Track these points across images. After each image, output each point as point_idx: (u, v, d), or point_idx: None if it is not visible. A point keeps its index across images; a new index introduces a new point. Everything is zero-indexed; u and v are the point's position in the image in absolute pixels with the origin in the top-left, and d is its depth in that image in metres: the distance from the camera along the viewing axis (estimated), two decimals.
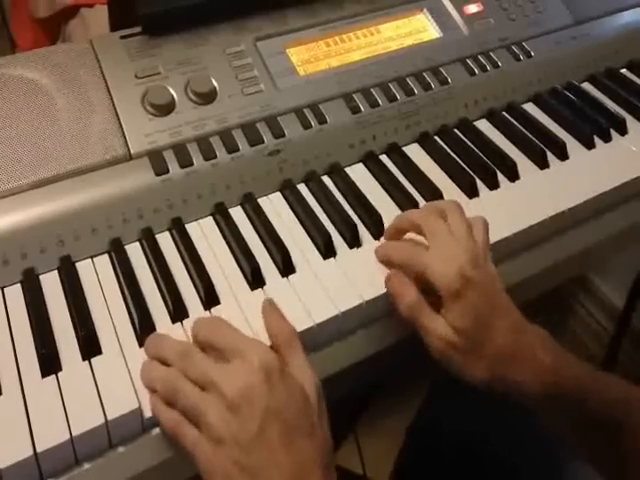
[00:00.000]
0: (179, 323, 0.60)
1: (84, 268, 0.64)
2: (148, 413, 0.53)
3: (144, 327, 0.59)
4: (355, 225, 0.68)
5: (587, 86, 0.93)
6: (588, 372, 0.60)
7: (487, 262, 0.60)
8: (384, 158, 0.79)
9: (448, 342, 0.57)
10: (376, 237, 0.69)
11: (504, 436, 0.82)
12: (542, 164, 0.79)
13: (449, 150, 0.80)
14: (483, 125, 0.84)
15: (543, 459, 0.79)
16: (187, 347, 0.54)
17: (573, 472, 0.78)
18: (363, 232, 0.69)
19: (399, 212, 0.71)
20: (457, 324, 0.57)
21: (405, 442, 0.92)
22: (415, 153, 0.79)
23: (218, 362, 0.51)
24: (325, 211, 0.72)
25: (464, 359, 0.57)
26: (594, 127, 0.84)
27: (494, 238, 0.65)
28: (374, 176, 0.76)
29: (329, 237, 0.67)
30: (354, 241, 0.68)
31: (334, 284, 0.63)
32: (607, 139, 0.83)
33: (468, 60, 0.85)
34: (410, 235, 0.65)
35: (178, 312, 0.60)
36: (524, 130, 0.83)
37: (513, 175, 0.77)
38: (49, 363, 0.55)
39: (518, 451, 0.81)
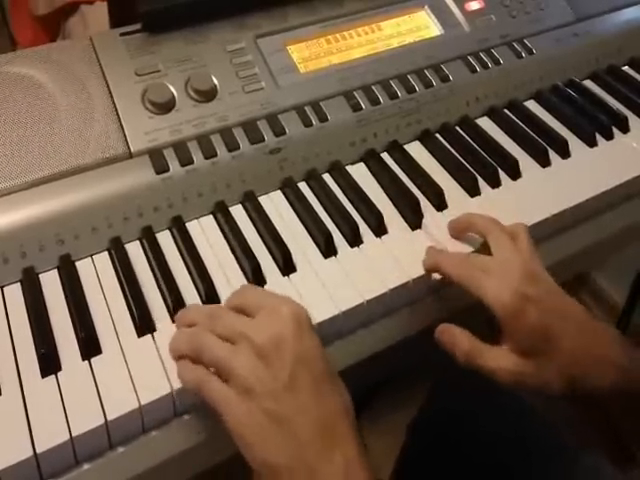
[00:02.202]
0: None
1: (84, 267, 0.64)
2: (148, 413, 0.53)
3: (144, 326, 0.59)
4: (356, 224, 0.68)
5: (589, 83, 0.92)
6: None
7: (540, 270, 0.59)
8: (385, 156, 0.78)
9: (516, 372, 0.56)
10: (377, 235, 0.69)
11: (506, 435, 0.82)
12: (544, 162, 0.78)
13: (450, 148, 0.80)
14: (484, 122, 0.84)
15: (544, 455, 0.79)
16: (213, 307, 0.55)
17: (581, 469, 0.78)
18: (364, 231, 0.69)
19: (399, 210, 0.71)
20: (522, 344, 0.56)
21: (406, 440, 0.92)
22: (416, 151, 0.79)
23: (245, 316, 0.52)
24: (326, 209, 0.71)
25: (537, 379, 0.56)
26: (596, 125, 0.83)
27: None
28: (375, 174, 0.76)
29: (330, 236, 0.67)
30: (355, 240, 0.68)
31: (335, 283, 0.63)
32: (609, 137, 0.83)
33: (469, 57, 0.85)
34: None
35: (178, 311, 0.60)
36: (526, 128, 0.83)
37: (515, 173, 0.76)
38: (49, 363, 0.55)
39: (519, 450, 0.81)
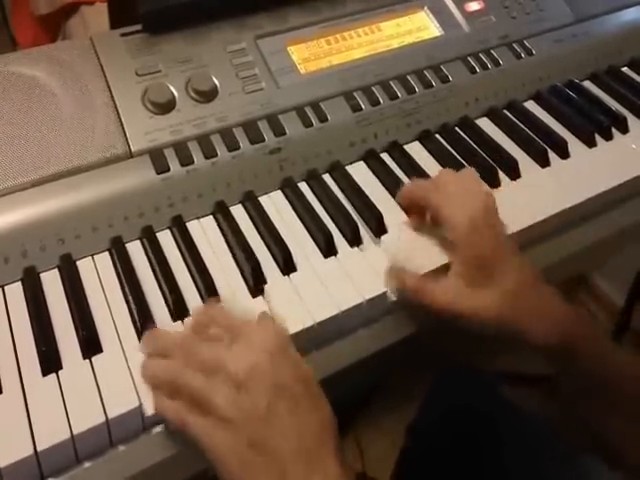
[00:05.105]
0: (179, 321, 0.60)
1: (85, 266, 0.64)
2: (149, 411, 0.53)
3: (145, 325, 0.59)
4: (356, 224, 0.68)
5: (588, 84, 0.93)
6: (596, 334, 0.62)
7: (498, 219, 0.63)
8: (385, 156, 0.78)
9: (456, 301, 0.59)
10: (377, 235, 0.69)
11: (503, 435, 0.82)
12: (543, 162, 0.79)
13: (450, 148, 0.80)
14: (484, 123, 0.84)
15: (540, 458, 0.79)
16: (185, 337, 0.55)
17: (571, 471, 0.78)
18: (364, 231, 0.69)
19: (400, 210, 0.72)
20: (468, 268, 0.59)
21: (405, 441, 0.92)
22: (416, 151, 0.79)
23: (220, 347, 0.51)
24: (326, 209, 0.71)
25: (475, 311, 0.59)
26: (595, 125, 0.83)
27: None
28: (375, 174, 0.76)
29: (330, 236, 0.67)
30: (355, 240, 0.68)
31: (335, 283, 0.63)
32: (608, 137, 0.83)
33: (469, 58, 0.85)
34: None
35: (179, 310, 0.60)
36: (525, 128, 0.83)
37: (514, 173, 0.77)
38: (50, 361, 0.55)
39: (516, 448, 0.81)
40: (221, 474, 0.48)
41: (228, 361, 0.49)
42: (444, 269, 0.63)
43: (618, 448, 0.62)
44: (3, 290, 0.62)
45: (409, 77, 0.81)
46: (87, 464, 0.53)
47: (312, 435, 0.49)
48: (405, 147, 0.79)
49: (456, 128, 0.83)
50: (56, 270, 0.64)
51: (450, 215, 0.61)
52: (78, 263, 0.64)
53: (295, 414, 0.48)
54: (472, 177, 0.66)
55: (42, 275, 0.63)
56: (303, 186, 0.74)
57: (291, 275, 0.64)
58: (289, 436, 0.48)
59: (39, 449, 0.50)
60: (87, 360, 0.56)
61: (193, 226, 0.69)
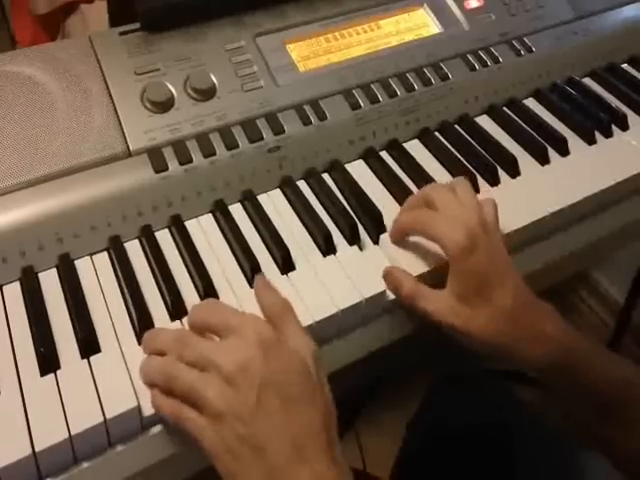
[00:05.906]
0: (178, 321, 0.60)
1: (83, 266, 0.64)
2: (147, 411, 0.53)
3: (143, 325, 0.59)
4: (355, 222, 0.68)
5: (588, 81, 0.92)
6: (594, 349, 0.61)
7: (496, 232, 0.62)
8: (384, 154, 0.78)
9: (449, 314, 0.59)
10: (376, 234, 0.68)
11: (504, 430, 0.82)
12: (543, 160, 0.79)
13: (449, 146, 0.80)
14: (484, 121, 0.84)
15: (543, 452, 0.79)
16: (181, 333, 0.55)
17: (574, 465, 0.78)
18: (363, 229, 0.69)
19: (399, 208, 0.71)
20: (462, 285, 0.59)
21: (406, 438, 0.92)
22: (415, 149, 0.79)
23: (214, 341, 0.52)
24: (325, 208, 0.71)
25: (466, 326, 0.59)
26: (595, 122, 0.83)
27: None
28: (374, 172, 0.76)
29: (329, 234, 0.67)
30: (354, 238, 0.68)
31: (334, 281, 0.62)
32: (608, 134, 0.83)
33: (469, 55, 0.85)
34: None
35: (177, 310, 0.60)
36: (525, 126, 0.83)
37: (514, 171, 0.76)
38: (48, 362, 0.55)
39: (518, 444, 0.81)
40: (217, 469, 0.48)
41: (218, 355, 0.49)
42: (439, 272, 0.63)
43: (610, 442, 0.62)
44: (1, 290, 0.62)
45: (408, 75, 0.81)
46: (85, 464, 0.53)
47: (302, 431, 0.48)
48: (404, 145, 0.79)
49: (455, 126, 0.83)
50: (54, 270, 0.64)
51: (440, 234, 0.60)
52: (76, 262, 0.64)
53: (284, 409, 0.48)
54: (463, 189, 0.64)
55: (40, 275, 0.63)
56: (302, 185, 0.74)
57: (290, 274, 0.64)
58: (277, 432, 0.48)
59: (37, 449, 0.49)
60: (85, 360, 0.55)
61: (192, 225, 0.69)
